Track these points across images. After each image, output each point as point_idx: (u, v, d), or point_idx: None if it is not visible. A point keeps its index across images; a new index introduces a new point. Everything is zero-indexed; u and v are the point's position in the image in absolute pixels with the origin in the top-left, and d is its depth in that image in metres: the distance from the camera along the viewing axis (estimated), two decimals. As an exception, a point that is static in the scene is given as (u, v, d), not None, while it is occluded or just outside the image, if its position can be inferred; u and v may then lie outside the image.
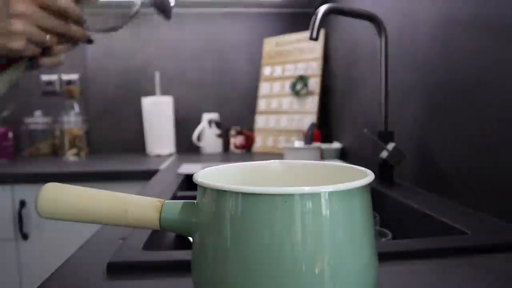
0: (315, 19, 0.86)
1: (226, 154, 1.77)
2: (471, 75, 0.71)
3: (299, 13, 1.91)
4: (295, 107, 1.73)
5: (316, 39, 0.86)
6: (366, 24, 0.96)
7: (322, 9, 0.86)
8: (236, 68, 1.93)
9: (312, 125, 1.32)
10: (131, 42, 1.88)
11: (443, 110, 0.81)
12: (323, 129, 1.69)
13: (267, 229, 0.27)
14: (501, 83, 0.64)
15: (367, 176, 0.30)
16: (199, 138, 1.83)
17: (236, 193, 0.28)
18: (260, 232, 0.27)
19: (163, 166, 1.42)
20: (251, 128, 1.89)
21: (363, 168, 0.34)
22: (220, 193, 0.29)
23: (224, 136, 1.85)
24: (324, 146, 1.47)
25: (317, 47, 1.72)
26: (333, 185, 0.28)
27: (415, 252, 0.50)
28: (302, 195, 0.27)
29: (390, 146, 0.89)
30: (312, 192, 0.27)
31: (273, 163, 0.40)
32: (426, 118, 0.87)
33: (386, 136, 0.92)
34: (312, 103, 1.69)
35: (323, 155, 1.34)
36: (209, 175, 0.36)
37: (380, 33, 0.92)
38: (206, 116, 1.82)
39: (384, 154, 0.89)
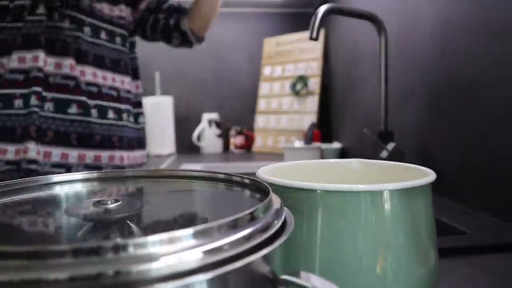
0: (315, 19, 0.86)
1: (226, 154, 1.77)
2: (471, 75, 0.71)
3: (299, 13, 1.91)
4: (295, 107, 1.73)
5: (316, 39, 0.86)
6: (366, 24, 0.96)
7: (322, 9, 0.86)
8: (236, 68, 1.93)
9: (312, 125, 1.32)
10: (131, 42, 1.88)
11: (443, 110, 0.81)
12: (323, 129, 1.69)
13: (333, 225, 0.28)
14: (500, 82, 0.64)
15: (429, 175, 0.31)
16: (199, 138, 1.83)
17: (314, 191, 0.28)
18: (328, 228, 0.28)
19: (163, 166, 1.42)
20: (251, 128, 1.89)
21: (424, 168, 0.34)
22: (298, 191, 0.29)
23: (224, 136, 1.85)
24: (324, 146, 1.47)
25: (317, 47, 1.72)
26: (395, 183, 0.28)
27: (415, 252, 0.49)
28: (373, 192, 0.27)
29: (390, 146, 0.89)
30: (377, 189, 0.28)
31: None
32: (426, 118, 0.87)
33: (386, 136, 0.92)
34: (312, 103, 1.69)
35: (323, 155, 1.34)
36: (270, 172, 0.37)
37: (380, 33, 0.92)
38: (206, 116, 1.82)
39: (384, 154, 0.89)
